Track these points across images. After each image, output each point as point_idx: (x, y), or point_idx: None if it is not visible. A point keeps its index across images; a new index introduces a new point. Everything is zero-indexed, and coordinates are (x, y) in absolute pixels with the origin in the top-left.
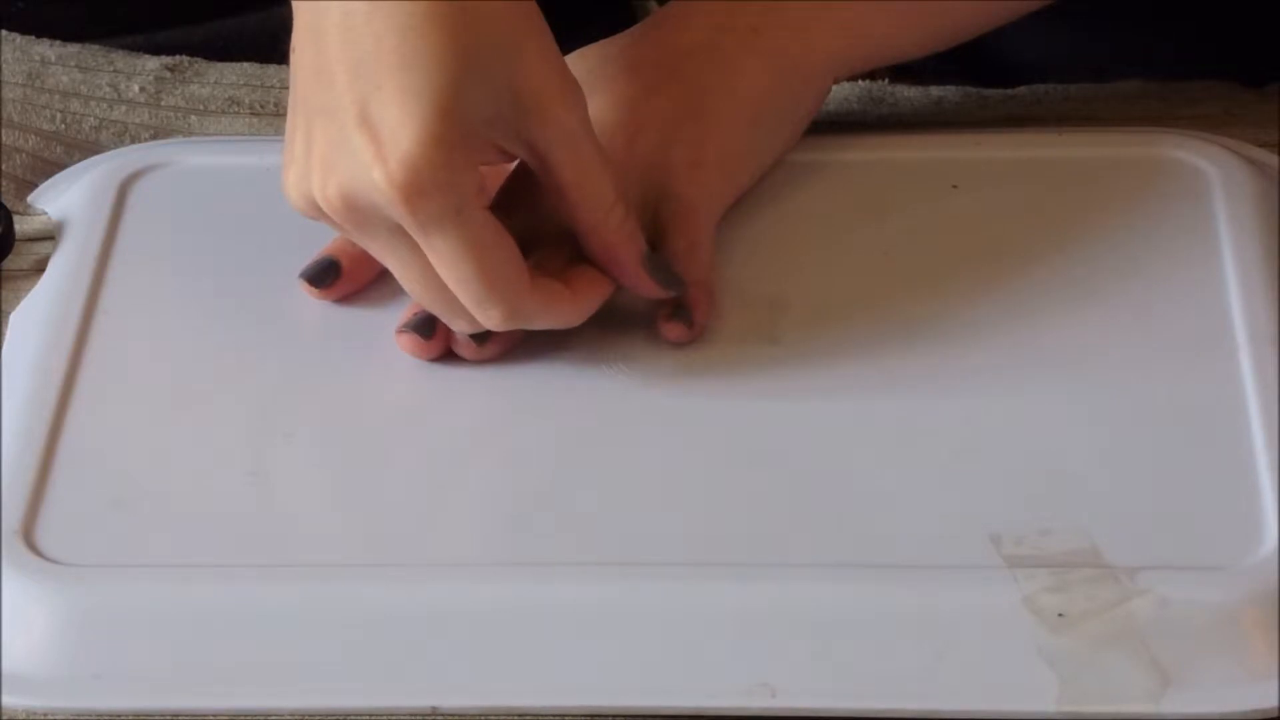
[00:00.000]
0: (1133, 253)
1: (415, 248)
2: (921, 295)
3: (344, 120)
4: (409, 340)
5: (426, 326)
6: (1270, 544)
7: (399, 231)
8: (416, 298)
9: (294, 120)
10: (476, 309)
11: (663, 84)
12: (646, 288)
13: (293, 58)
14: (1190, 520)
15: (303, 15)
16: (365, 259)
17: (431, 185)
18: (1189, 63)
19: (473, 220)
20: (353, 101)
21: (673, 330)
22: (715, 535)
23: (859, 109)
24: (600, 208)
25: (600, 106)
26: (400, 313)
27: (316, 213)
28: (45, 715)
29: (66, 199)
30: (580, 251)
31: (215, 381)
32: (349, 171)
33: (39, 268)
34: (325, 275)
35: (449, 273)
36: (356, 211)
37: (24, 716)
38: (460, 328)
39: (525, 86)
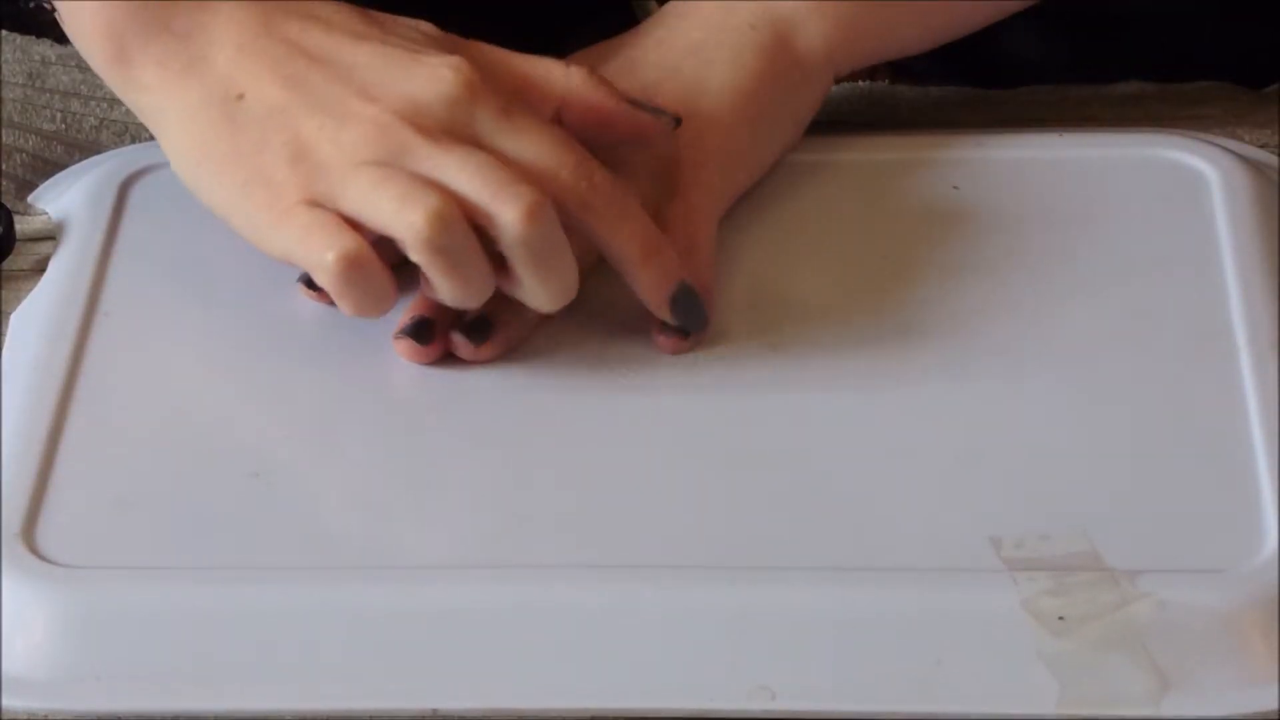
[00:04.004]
0: (1132, 254)
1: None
2: (921, 296)
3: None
4: (405, 346)
5: (423, 332)
6: (1270, 547)
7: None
8: (470, 185)
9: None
10: (558, 168)
11: (662, 83)
12: (666, 317)
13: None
14: (1190, 523)
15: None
16: None
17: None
18: (1189, 64)
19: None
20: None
21: (669, 342)
22: (715, 538)
23: (859, 109)
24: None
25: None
26: (399, 313)
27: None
28: (45, 717)
29: (67, 199)
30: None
31: (215, 382)
32: (406, 86)
33: (39, 268)
34: None
35: (521, 143)
36: (426, 117)
37: (24, 718)
38: (505, 212)
39: None
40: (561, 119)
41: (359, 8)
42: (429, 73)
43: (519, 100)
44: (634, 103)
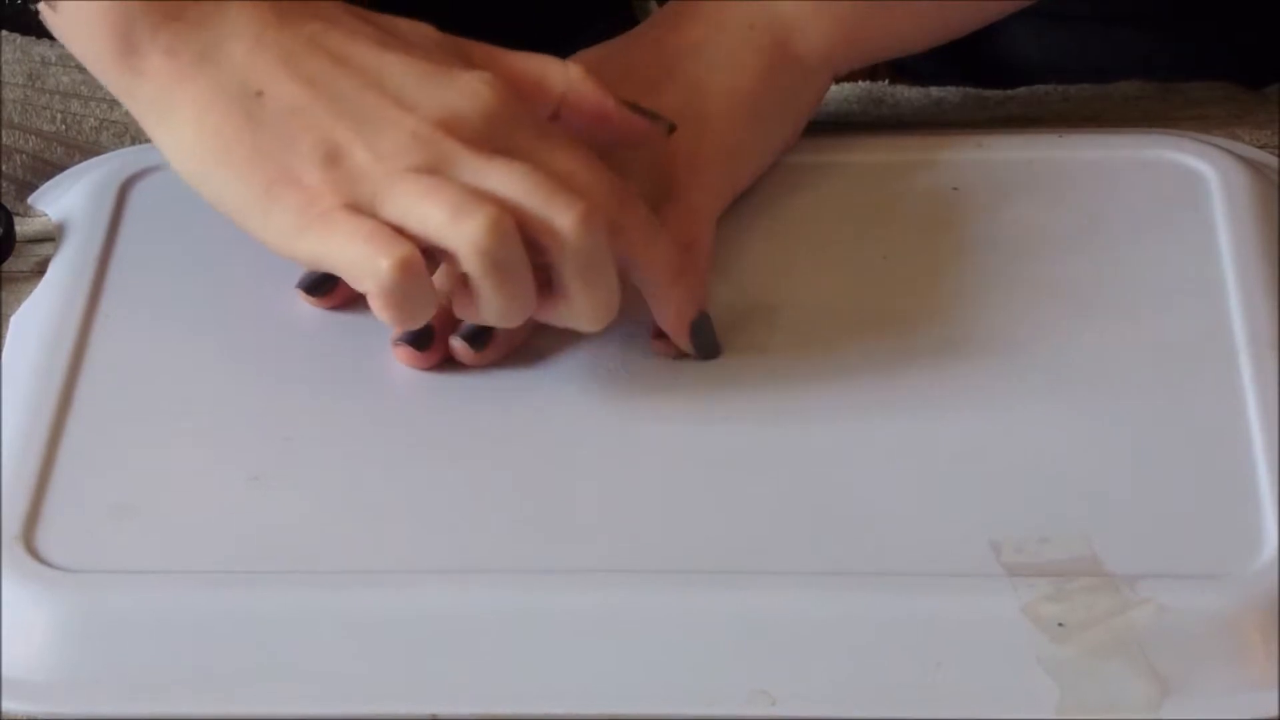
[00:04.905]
0: (1132, 255)
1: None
2: (921, 298)
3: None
4: (404, 352)
5: (422, 339)
6: (1270, 552)
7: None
8: (521, 193)
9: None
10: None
11: (661, 83)
12: (685, 347)
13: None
14: (1190, 528)
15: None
16: None
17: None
18: (1189, 64)
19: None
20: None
21: (665, 346)
22: (714, 542)
23: (859, 110)
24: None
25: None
26: None
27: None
28: None
29: (67, 200)
30: None
31: (216, 385)
32: (443, 98)
33: (39, 269)
34: (322, 284)
35: (558, 160)
36: (465, 129)
37: None
38: (562, 218)
39: None
40: (560, 116)
41: (361, 9)
42: (464, 86)
43: (549, 121)
44: (630, 106)
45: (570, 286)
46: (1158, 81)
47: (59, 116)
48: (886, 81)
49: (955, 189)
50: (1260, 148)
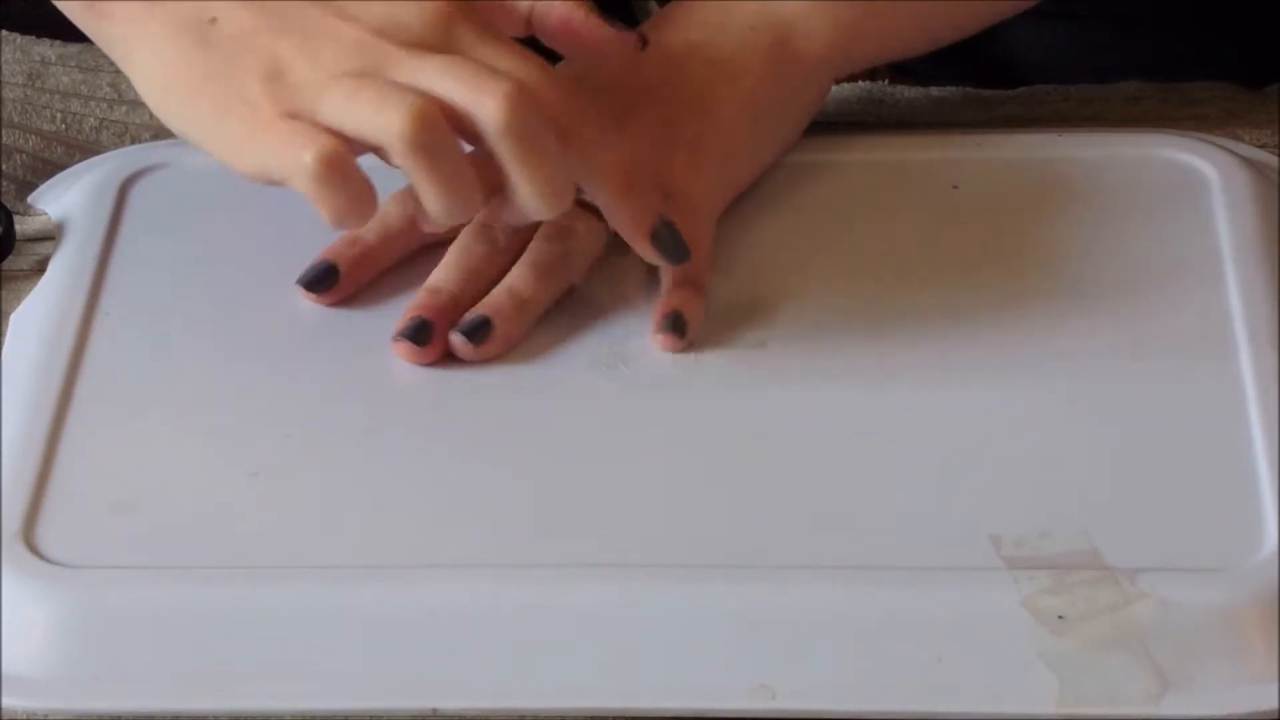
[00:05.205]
0: (1132, 254)
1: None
2: (921, 296)
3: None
4: (404, 348)
5: (421, 334)
6: (1270, 546)
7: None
8: (446, 85)
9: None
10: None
11: (662, 84)
12: (651, 257)
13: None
14: (1190, 522)
15: None
16: (362, 260)
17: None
18: (1189, 63)
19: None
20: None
21: (666, 341)
22: (716, 537)
23: (859, 109)
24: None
25: (601, 108)
26: (400, 312)
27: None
28: (45, 717)
29: (67, 199)
30: None
31: (216, 382)
32: (384, 7)
33: (39, 268)
34: (323, 280)
35: (501, 58)
36: (404, 32)
37: (24, 718)
38: (485, 102)
39: None
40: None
41: None
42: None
43: (497, 30)
44: (603, 18)
45: (509, 171)
46: (1158, 81)
47: (59, 116)
48: (886, 81)
49: (955, 187)
50: (1260, 148)
